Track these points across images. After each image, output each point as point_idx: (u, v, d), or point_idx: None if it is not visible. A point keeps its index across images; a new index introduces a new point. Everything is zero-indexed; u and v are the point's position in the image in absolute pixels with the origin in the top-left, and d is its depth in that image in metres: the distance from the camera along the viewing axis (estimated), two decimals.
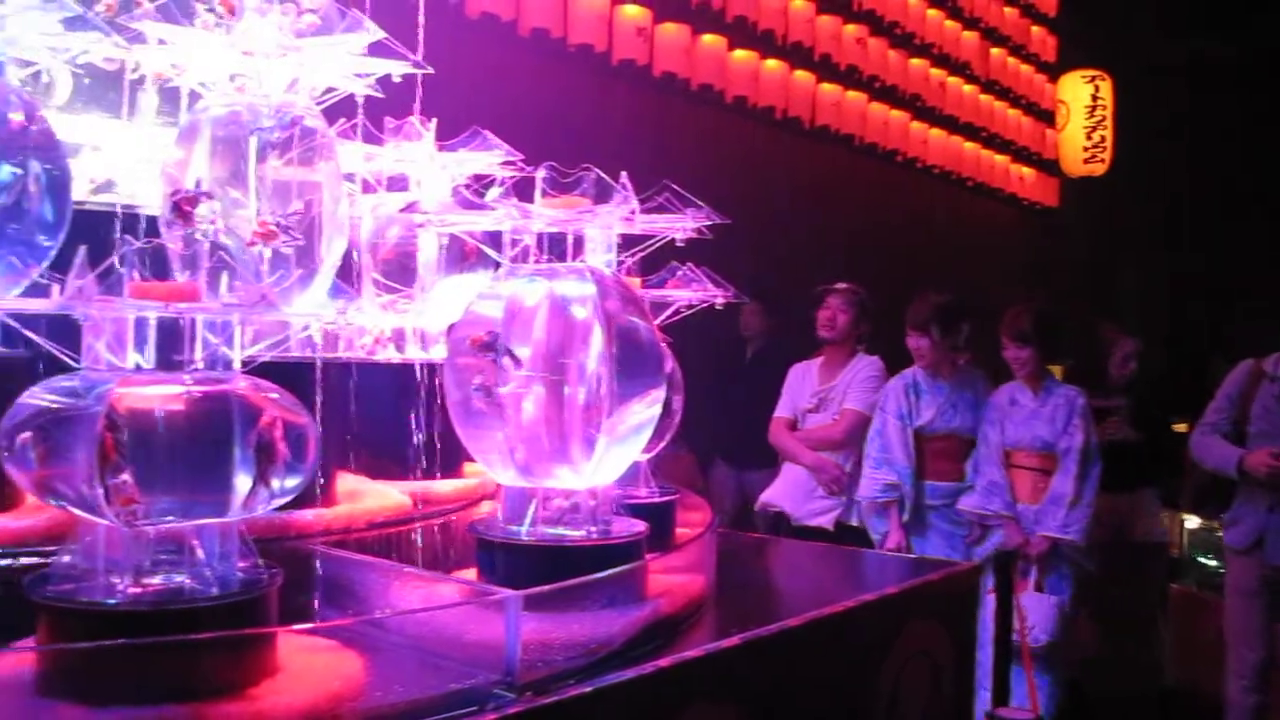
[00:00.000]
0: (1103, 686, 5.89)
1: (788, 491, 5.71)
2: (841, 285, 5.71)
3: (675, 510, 2.70)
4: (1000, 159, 12.33)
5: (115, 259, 1.67)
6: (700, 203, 2.32)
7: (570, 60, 7.01)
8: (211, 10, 2.70)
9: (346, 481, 2.46)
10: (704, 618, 2.36)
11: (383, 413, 2.58)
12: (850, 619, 2.42)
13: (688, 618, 2.28)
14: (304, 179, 2.31)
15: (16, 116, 2.27)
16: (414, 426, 2.57)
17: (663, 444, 2.56)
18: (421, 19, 2.84)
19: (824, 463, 5.58)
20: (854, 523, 5.53)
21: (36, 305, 1.67)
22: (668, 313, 2.66)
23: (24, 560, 1.98)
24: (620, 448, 2.15)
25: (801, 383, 5.80)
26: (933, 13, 10.80)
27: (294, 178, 2.30)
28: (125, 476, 1.59)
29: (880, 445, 5.29)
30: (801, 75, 9.02)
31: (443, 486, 2.62)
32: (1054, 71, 13.29)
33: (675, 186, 2.29)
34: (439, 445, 2.55)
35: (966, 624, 2.94)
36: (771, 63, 8.69)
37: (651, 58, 7.52)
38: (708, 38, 8.04)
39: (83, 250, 1.63)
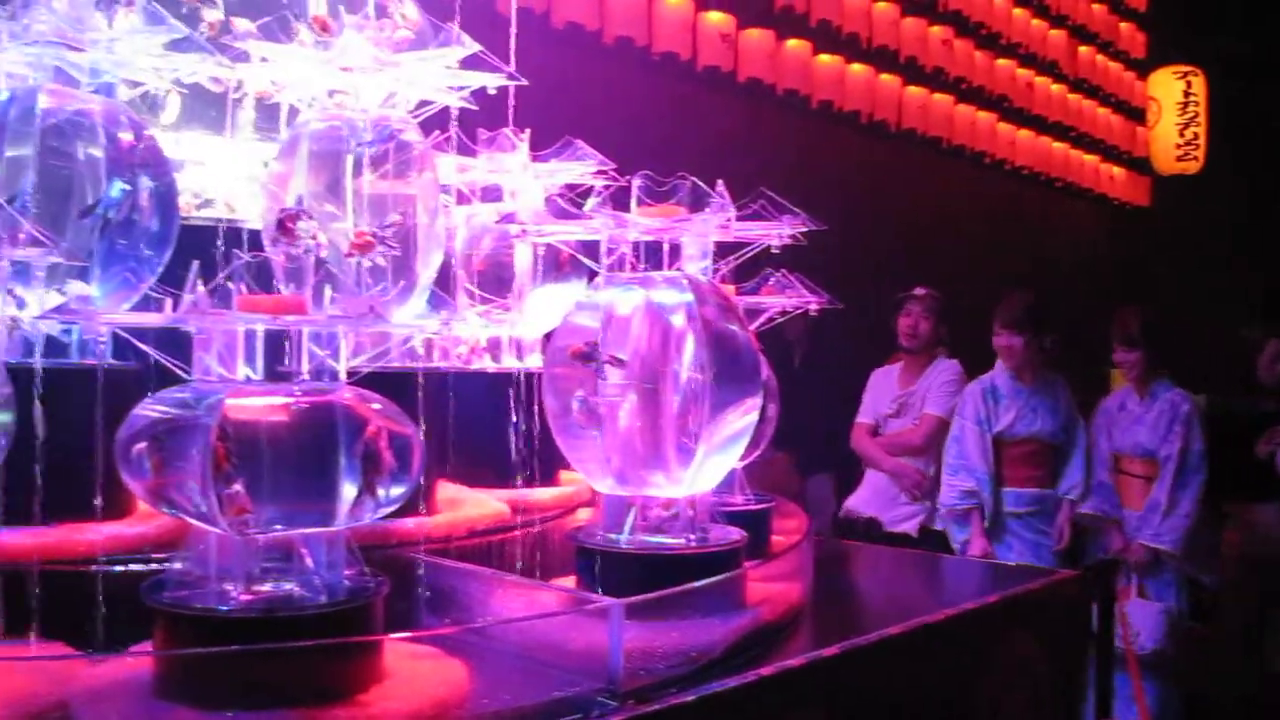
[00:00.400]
0: (1217, 695, 5.73)
1: (872, 498, 5.70)
2: (920, 291, 5.69)
3: (771, 517, 2.69)
4: (1090, 158, 12.13)
5: (224, 274, 1.71)
6: (795, 209, 2.31)
7: (654, 68, 7.02)
8: (310, 29, 2.76)
9: (446, 490, 2.49)
10: (802, 626, 2.35)
11: (480, 421, 2.60)
12: (951, 628, 2.39)
13: (787, 626, 2.27)
14: (401, 192, 2.34)
15: (126, 135, 2.33)
16: (511, 435, 2.59)
17: (758, 451, 2.55)
18: (514, 31, 2.86)
19: (904, 468, 5.56)
20: (939, 528, 5.47)
21: (151, 319, 1.71)
22: (760, 319, 2.66)
23: (138, 566, 2.03)
24: (718, 456, 2.15)
25: (882, 388, 5.80)
26: (1019, 11, 10.66)
27: (392, 191, 2.33)
28: (237, 486, 1.62)
29: (957, 452, 5.22)
30: (887, 78, 8.95)
31: (540, 494, 2.64)
32: (1144, 68, 13.04)
33: (770, 193, 2.28)
34: (536, 453, 2.57)
35: (1070, 634, 2.88)
36: (857, 67, 8.64)
37: (736, 64, 7.52)
38: (792, 43, 8.01)
39: (195, 265, 1.67)
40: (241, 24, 2.77)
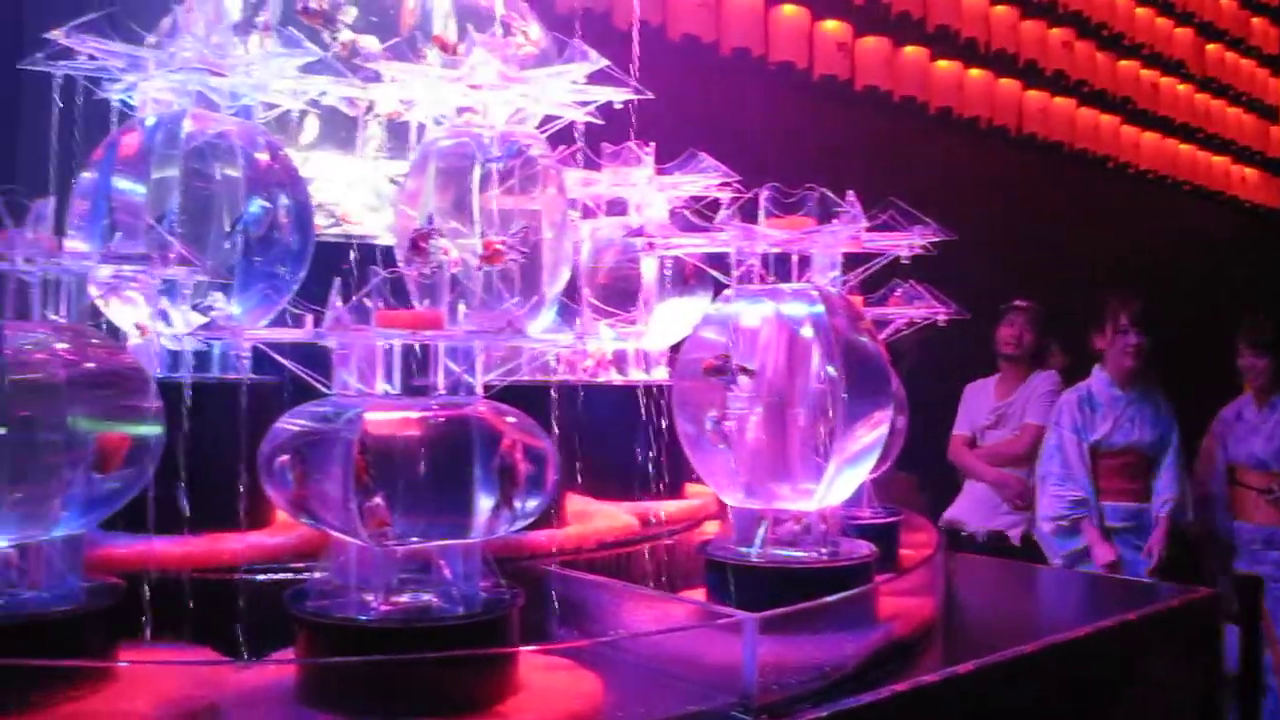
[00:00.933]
0: None
1: (972, 508, 5.68)
2: (1022, 303, 5.68)
3: (900, 531, 2.66)
4: (1219, 159, 11.75)
5: (364, 291, 1.75)
6: (926, 219, 2.28)
7: (771, 78, 7.01)
8: (440, 48, 2.82)
9: (574, 502, 2.51)
10: (934, 642, 2.31)
11: (607, 434, 2.62)
12: (1087, 646, 2.33)
13: (919, 641, 2.24)
14: (528, 207, 2.37)
15: (263, 156, 2.40)
16: (638, 447, 2.60)
17: (888, 464, 2.52)
18: (636, 45, 2.88)
19: (1007, 478, 5.55)
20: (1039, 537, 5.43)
21: (295, 335, 1.75)
22: (887, 330, 2.63)
23: (279, 575, 2.08)
24: (849, 469, 2.13)
25: (978, 400, 5.80)
26: (1142, 10, 10.39)
27: (519, 206, 2.36)
28: (378, 500, 1.65)
29: (1061, 461, 5.09)
30: (1007, 83, 8.80)
31: (667, 507, 2.64)
32: (1277, 65, 12.60)
33: (899, 203, 2.25)
34: (663, 466, 2.58)
35: (1208, 654, 2.79)
36: (975, 71, 8.50)
37: (853, 72, 7.46)
38: (909, 49, 7.93)
39: (337, 282, 1.71)
40: (370, 43, 2.84)
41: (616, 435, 2.65)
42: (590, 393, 2.63)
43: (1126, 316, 5.09)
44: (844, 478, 2.15)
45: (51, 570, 1.79)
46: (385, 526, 1.66)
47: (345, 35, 2.90)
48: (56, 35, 2.27)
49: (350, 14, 2.91)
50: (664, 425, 2.60)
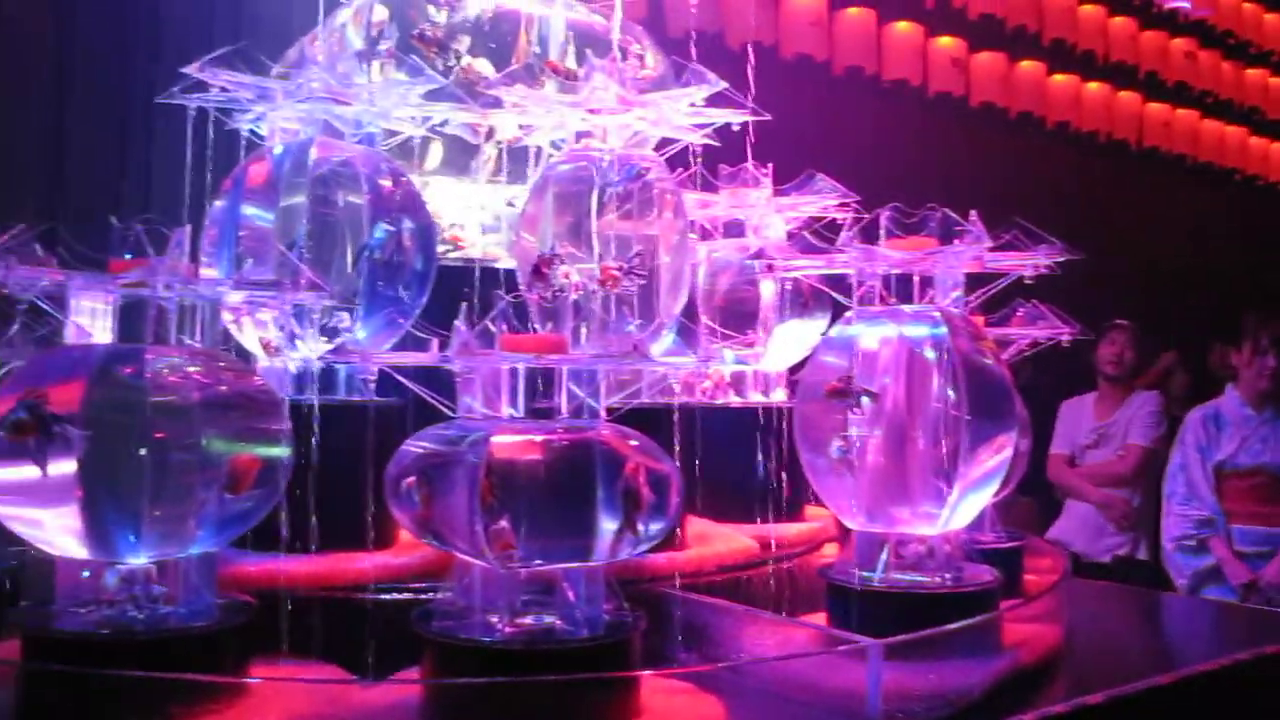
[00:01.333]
0: None
1: (1077, 529, 5.58)
2: (1123, 322, 5.61)
3: (1023, 556, 2.60)
4: None
5: (491, 315, 1.77)
6: (1051, 238, 2.24)
7: (886, 96, 6.96)
8: (556, 74, 2.85)
9: (694, 525, 2.50)
10: (1061, 670, 2.26)
11: (726, 456, 2.61)
12: (1227, 678, 2.25)
13: (1046, 670, 2.19)
14: (648, 231, 2.38)
15: (386, 182, 2.45)
16: (757, 470, 2.59)
17: (1011, 488, 2.48)
18: (751, 67, 2.87)
19: (1113, 499, 5.48)
20: (1141, 556, 5.40)
21: (421, 359, 1.78)
22: (1010, 351, 2.58)
23: (404, 595, 2.12)
24: (973, 493, 2.10)
25: (1076, 419, 5.71)
26: (1270, 17, 10.08)
27: (639, 229, 2.37)
28: (503, 523, 1.67)
29: (1185, 480, 4.93)
30: (1126, 95, 8.60)
31: (787, 530, 2.63)
32: None
33: (1024, 222, 2.22)
34: (782, 488, 2.56)
35: None
36: (1093, 85, 8.34)
37: (968, 88, 7.37)
38: (1025, 64, 7.80)
39: (464, 307, 1.73)
40: (484, 67, 2.88)
41: (735, 457, 2.64)
42: (709, 415, 2.63)
43: (1267, 338, 4.93)
44: (967, 502, 2.11)
45: (188, 587, 1.85)
46: (510, 549, 1.68)
47: (466, 60, 2.95)
48: (191, 70, 2.35)
49: (465, 42, 2.96)
50: (783, 447, 2.59)
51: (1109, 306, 6.97)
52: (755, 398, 2.84)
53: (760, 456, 2.60)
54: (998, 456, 2.12)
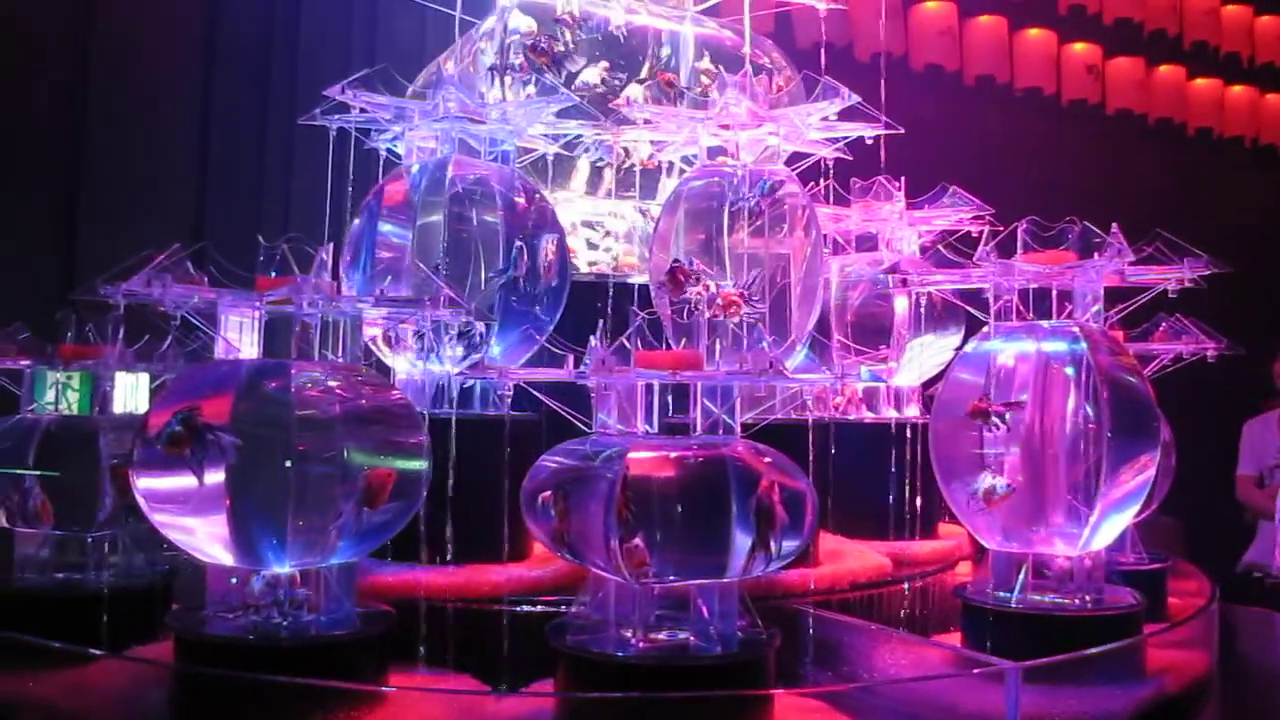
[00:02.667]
0: None
1: (1272, 550, 5.32)
2: None
3: (1167, 578, 2.52)
4: None
5: (628, 332, 1.78)
6: (1197, 250, 2.17)
7: (1018, 105, 6.82)
8: (667, 86, 2.86)
9: (827, 541, 2.48)
10: (1210, 701, 2.18)
11: (859, 472, 2.59)
12: None
13: (1193, 699, 2.11)
14: (780, 247, 2.38)
15: (520, 199, 2.49)
16: (890, 486, 2.56)
17: (1154, 507, 2.40)
18: (881, 78, 2.84)
19: None
20: None
21: (559, 375, 1.80)
22: (1152, 367, 2.51)
23: (537, 608, 2.14)
24: (1115, 513, 2.04)
25: (1261, 438, 5.47)
26: None
27: (772, 244, 2.37)
28: (637, 541, 1.68)
29: None
30: (1274, 99, 8.29)
31: (920, 547, 2.59)
32: None
33: (1170, 235, 2.15)
34: (916, 505, 2.53)
35: None
36: (1237, 88, 8.05)
37: (1104, 95, 7.19)
38: (1164, 68, 7.58)
39: (601, 324, 1.75)
40: (634, 92, 2.91)
41: (868, 474, 2.62)
42: (842, 430, 2.60)
43: None
44: (1108, 522, 2.06)
45: (329, 596, 1.89)
46: (645, 565, 1.68)
47: (593, 72, 2.97)
48: (332, 91, 2.42)
49: (580, 63, 2.97)
50: (917, 464, 2.55)
51: (1265, 322, 6.72)
52: (888, 413, 2.80)
53: (893, 473, 2.57)
54: (1140, 475, 2.07)
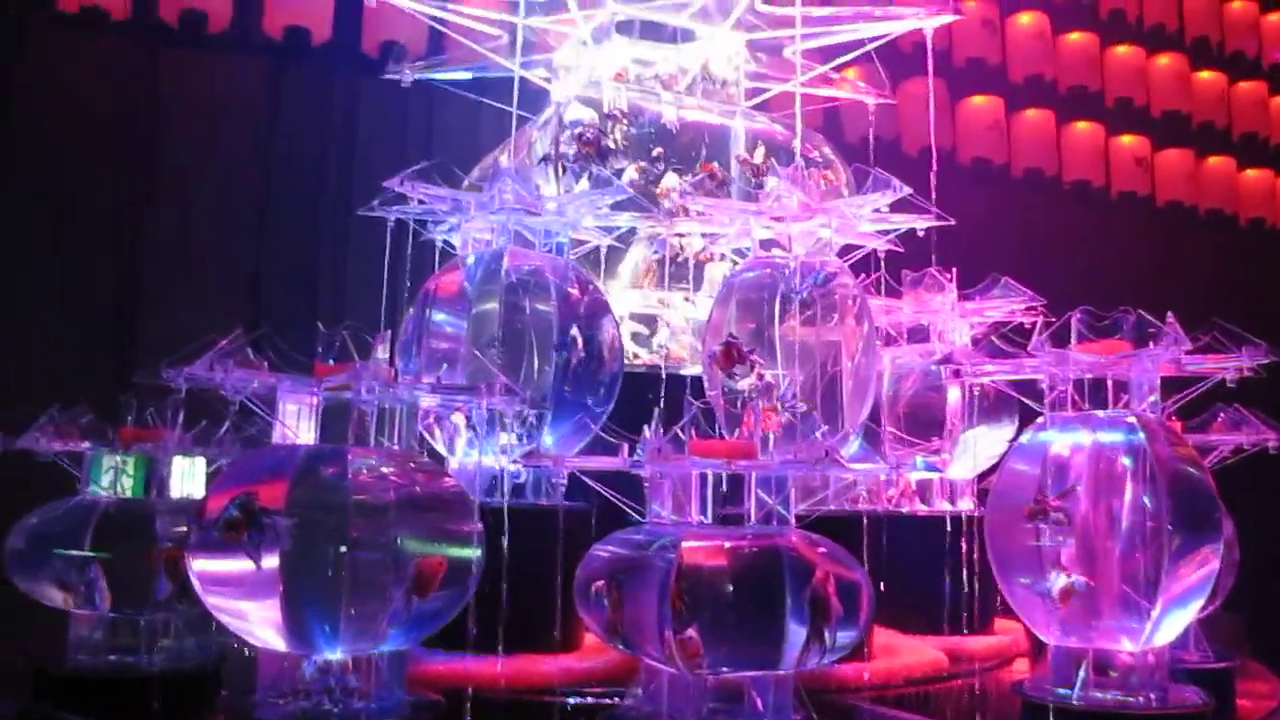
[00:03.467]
0: None
1: None
2: None
3: (1235, 678, 2.45)
4: None
5: (683, 422, 1.79)
6: (1254, 339, 2.15)
7: (1067, 197, 6.82)
8: (709, 177, 2.90)
9: (880, 635, 2.45)
10: None
11: (913, 566, 2.56)
12: None
13: None
14: (832, 337, 2.38)
15: (574, 290, 2.52)
16: (945, 580, 2.53)
17: (1218, 603, 2.35)
18: (933, 174, 2.86)
19: None
20: None
21: (614, 464, 1.81)
22: (1211, 458, 2.47)
23: (587, 699, 2.12)
24: (1177, 608, 2.00)
25: None
26: None
27: (823, 336, 2.38)
28: (691, 632, 1.66)
29: None
30: None
31: (976, 642, 2.55)
32: None
33: (1226, 324, 2.14)
34: (971, 600, 2.49)
35: None
36: None
37: (1154, 187, 7.17)
38: (1214, 159, 7.56)
39: (657, 412, 1.76)
40: (671, 181, 2.95)
41: (923, 567, 2.59)
42: (896, 523, 2.58)
43: None
44: (1171, 617, 2.01)
45: (380, 682, 1.89)
46: (699, 656, 1.67)
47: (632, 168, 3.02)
48: (391, 183, 2.47)
49: (621, 162, 3.02)
50: (972, 557, 2.53)
51: None
52: (942, 506, 2.78)
53: (948, 566, 2.54)
54: (1203, 569, 2.02)
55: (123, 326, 4.38)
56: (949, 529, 2.53)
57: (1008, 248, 5.48)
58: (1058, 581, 2.00)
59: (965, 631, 2.52)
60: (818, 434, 2.03)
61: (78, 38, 4.47)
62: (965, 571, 2.48)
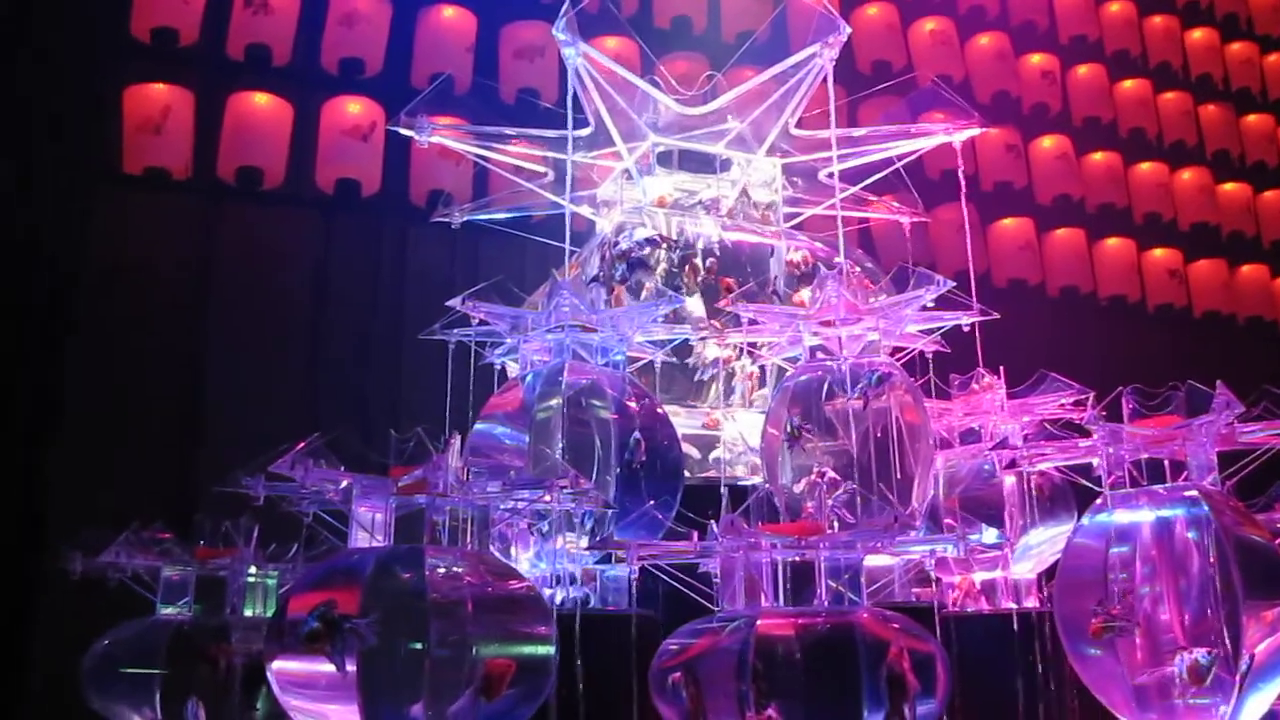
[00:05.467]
0: None
1: None
2: None
3: None
4: None
5: (740, 509, 1.83)
6: None
7: (1104, 312, 6.85)
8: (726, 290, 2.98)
9: None
10: None
11: (982, 665, 2.53)
12: None
13: None
14: (892, 425, 2.42)
15: (631, 402, 2.58)
16: (1016, 679, 2.49)
17: None
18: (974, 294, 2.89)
19: None
20: None
21: (687, 547, 1.84)
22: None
23: None
24: (1263, 684, 1.98)
25: None
26: None
27: (879, 423, 2.41)
28: (770, 713, 1.68)
29: None
30: None
31: None
32: None
33: (1275, 390, 2.16)
34: (1043, 702, 2.46)
35: None
36: None
37: (1189, 298, 7.21)
38: (1246, 268, 7.61)
39: (724, 505, 1.80)
40: (693, 305, 3.02)
41: (992, 666, 2.55)
42: (962, 624, 2.57)
43: None
44: (1255, 695, 1.99)
45: None
46: None
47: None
48: (454, 302, 2.56)
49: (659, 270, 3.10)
50: (1047, 654, 2.49)
51: None
52: (1008, 606, 2.74)
53: (1017, 667, 2.50)
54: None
55: (185, 453, 4.45)
56: (1017, 628, 2.50)
57: (1044, 363, 5.49)
58: (1184, 662, 1.96)
59: None
60: (884, 515, 2.06)
61: (142, 196, 4.67)
62: (1036, 671, 2.45)
